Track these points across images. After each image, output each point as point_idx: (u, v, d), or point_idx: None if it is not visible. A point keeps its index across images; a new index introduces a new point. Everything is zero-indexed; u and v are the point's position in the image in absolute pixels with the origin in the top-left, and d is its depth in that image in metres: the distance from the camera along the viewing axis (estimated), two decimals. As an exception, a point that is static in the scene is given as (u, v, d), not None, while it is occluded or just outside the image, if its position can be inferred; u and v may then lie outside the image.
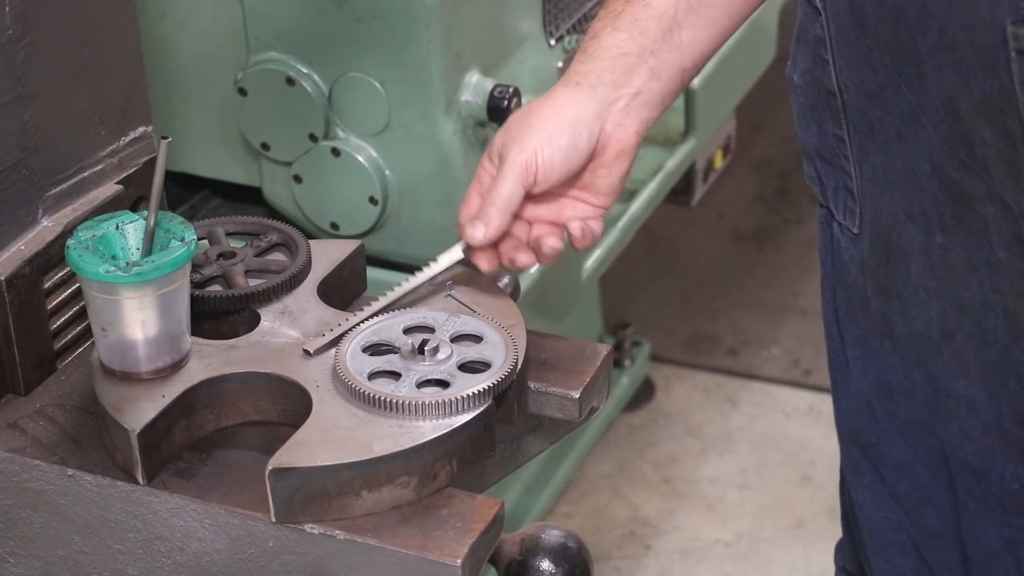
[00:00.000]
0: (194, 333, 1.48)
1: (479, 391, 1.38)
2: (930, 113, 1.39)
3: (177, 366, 1.44)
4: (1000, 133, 1.36)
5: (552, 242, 1.53)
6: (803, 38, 1.53)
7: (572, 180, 1.54)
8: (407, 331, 1.47)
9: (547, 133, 1.50)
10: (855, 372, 1.60)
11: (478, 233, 1.51)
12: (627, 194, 2.73)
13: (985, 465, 1.50)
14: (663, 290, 3.85)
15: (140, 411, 1.39)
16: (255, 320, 1.52)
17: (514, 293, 1.58)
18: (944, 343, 1.49)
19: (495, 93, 2.31)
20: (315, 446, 1.34)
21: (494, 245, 1.54)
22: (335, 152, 2.33)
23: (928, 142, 1.41)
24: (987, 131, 1.36)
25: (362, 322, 1.48)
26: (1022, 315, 1.40)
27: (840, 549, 1.80)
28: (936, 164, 1.42)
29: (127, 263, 1.40)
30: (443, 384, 1.40)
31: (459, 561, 1.30)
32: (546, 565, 1.47)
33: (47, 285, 1.52)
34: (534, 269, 2.38)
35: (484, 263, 1.54)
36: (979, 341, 1.42)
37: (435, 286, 1.54)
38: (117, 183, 1.61)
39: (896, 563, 1.65)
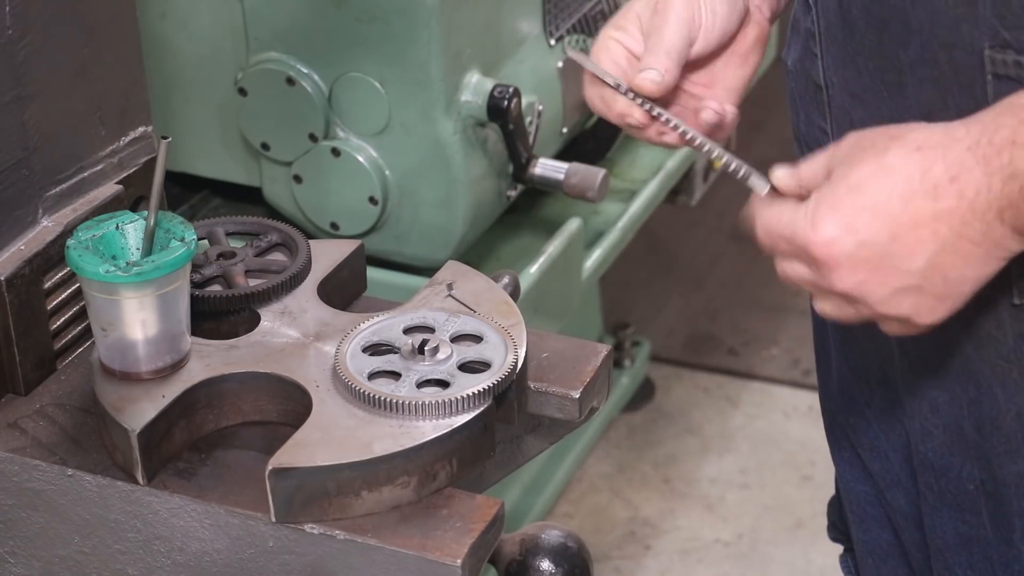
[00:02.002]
0: (194, 333, 1.48)
1: (479, 391, 1.38)
2: (909, 122, 1.40)
3: (177, 366, 1.44)
4: None
5: (714, 105, 1.52)
6: (796, 28, 1.55)
7: (701, 70, 1.53)
8: (407, 331, 1.47)
9: None
10: (836, 355, 1.64)
11: (649, 78, 1.47)
12: (627, 194, 2.73)
13: (944, 463, 1.52)
14: (663, 290, 3.86)
15: (140, 411, 1.39)
16: (255, 320, 1.52)
17: (514, 293, 1.58)
18: (910, 345, 1.50)
19: (495, 93, 2.31)
20: (315, 446, 1.34)
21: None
22: (335, 152, 2.33)
23: None
24: None
25: None
26: (984, 326, 1.41)
27: (832, 505, 1.82)
28: None
29: (127, 263, 1.40)
30: (443, 384, 1.40)
31: (459, 561, 1.30)
32: (546, 565, 1.47)
33: (47, 285, 1.52)
34: (535, 268, 2.39)
35: (653, 133, 1.51)
36: (941, 347, 1.43)
37: (435, 286, 1.54)
38: (117, 183, 1.61)
39: (873, 534, 1.67)
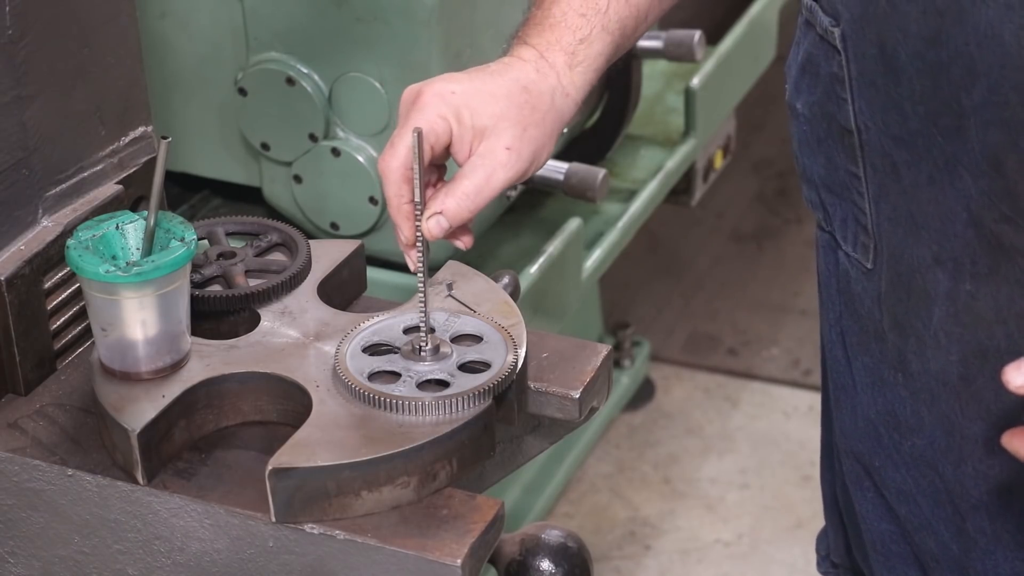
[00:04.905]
0: (194, 333, 1.48)
1: (479, 391, 1.38)
2: (969, 165, 1.37)
3: (177, 366, 1.44)
4: None
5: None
6: (812, 71, 1.51)
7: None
8: (407, 331, 1.47)
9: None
10: (863, 397, 1.59)
11: (439, 225, 1.43)
12: (627, 194, 2.73)
13: (1002, 503, 1.49)
14: (663, 290, 3.86)
15: (140, 411, 1.39)
16: (255, 320, 1.52)
17: (514, 293, 1.58)
18: (963, 387, 1.47)
19: (495, 93, 2.31)
20: (315, 446, 1.34)
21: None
22: (335, 152, 2.33)
23: (965, 192, 1.39)
24: None
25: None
26: None
27: (823, 539, 1.79)
28: (974, 214, 1.40)
29: (127, 263, 1.40)
30: (443, 384, 1.40)
31: (459, 561, 1.30)
32: (546, 565, 1.47)
33: (47, 285, 1.52)
34: (534, 269, 2.39)
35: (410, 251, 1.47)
36: (1000, 387, 1.40)
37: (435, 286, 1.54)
38: (117, 183, 1.61)
39: (900, 571, 1.64)
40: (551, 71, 1.48)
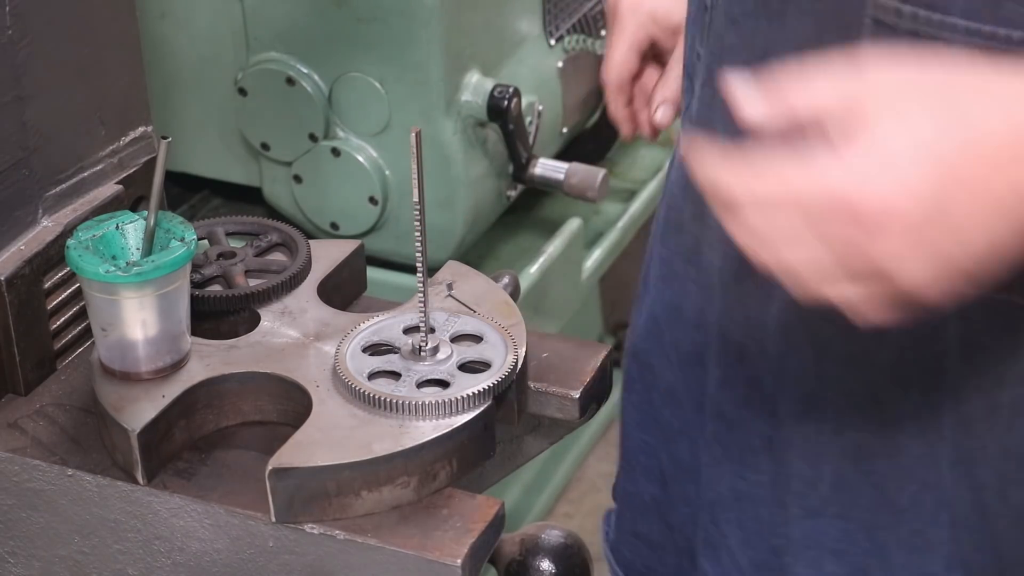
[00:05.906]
0: (194, 333, 1.48)
1: (479, 391, 1.38)
2: (781, 55, 1.33)
3: (177, 366, 1.44)
4: None
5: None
6: None
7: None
8: (407, 331, 1.47)
9: None
10: (653, 291, 1.59)
11: (667, 115, 1.66)
12: (627, 194, 2.73)
13: (736, 416, 1.48)
14: (663, 290, 3.85)
15: (140, 411, 1.39)
16: (255, 320, 1.52)
17: (514, 293, 1.58)
18: (733, 286, 1.45)
19: (495, 93, 2.32)
20: (315, 446, 1.34)
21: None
22: (335, 152, 2.33)
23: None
24: None
25: None
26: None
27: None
28: None
29: (127, 263, 1.40)
30: (443, 384, 1.40)
31: (459, 561, 1.30)
32: (546, 565, 1.47)
33: (47, 285, 1.52)
34: (534, 269, 2.39)
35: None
36: (767, 293, 1.38)
37: (435, 286, 1.54)
38: (117, 183, 1.61)
39: (639, 486, 1.63)
40: None
